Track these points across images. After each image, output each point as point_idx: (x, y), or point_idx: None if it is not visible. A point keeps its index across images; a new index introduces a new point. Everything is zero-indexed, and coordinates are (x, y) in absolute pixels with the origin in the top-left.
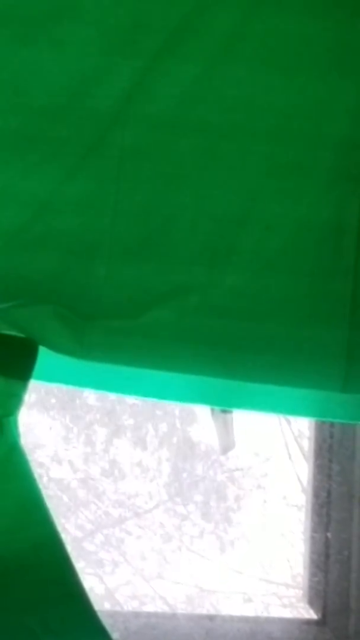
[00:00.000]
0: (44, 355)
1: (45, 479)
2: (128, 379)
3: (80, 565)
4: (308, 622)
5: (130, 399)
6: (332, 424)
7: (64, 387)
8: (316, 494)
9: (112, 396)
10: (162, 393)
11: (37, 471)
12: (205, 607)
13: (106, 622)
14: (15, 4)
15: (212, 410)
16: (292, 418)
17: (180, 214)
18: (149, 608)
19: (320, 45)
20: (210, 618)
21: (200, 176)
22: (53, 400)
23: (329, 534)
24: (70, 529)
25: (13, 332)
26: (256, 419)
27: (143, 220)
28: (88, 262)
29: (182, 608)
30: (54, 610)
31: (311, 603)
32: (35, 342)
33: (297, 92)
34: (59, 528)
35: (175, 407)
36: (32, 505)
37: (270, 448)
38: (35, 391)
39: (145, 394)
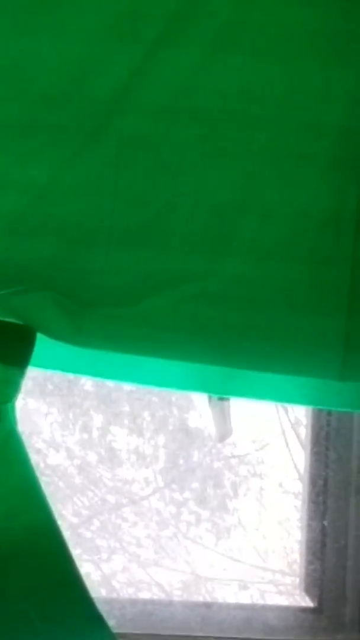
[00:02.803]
0: (42, 342)
1: (42, 465)
2: (125, 366)
3: (76, 552)
4: (304, 609)
5: (128, 386)
6: (329, 412)
7: (61, 374)
8: (313, 482)
9: (109, 383)
10: (159, 380)
11: (33, 458)
12: (201, 595)
13: (102, 609)
14: None
15: (210, 397)
16: (289, 406)
17: (179, 201)
18: (145, 595)
19: (319, 34)
20: (207, 605)
21: (199, 164)
22: (50, 387)
23: (325, 522)
24: (67, 515)
25: (11, 319)
26: (253, 407)
27: (142, 208)
28: (86, 250)
29: (178, 595)
30: (51, 596)
31: (307, 591)
32: (33, 329)
33: (296, 81)
34: (56, 515)
35: (172, 395)
36: (29, 492)
37: (267, 436)
38: (32, 378)
39: (143, 381)
